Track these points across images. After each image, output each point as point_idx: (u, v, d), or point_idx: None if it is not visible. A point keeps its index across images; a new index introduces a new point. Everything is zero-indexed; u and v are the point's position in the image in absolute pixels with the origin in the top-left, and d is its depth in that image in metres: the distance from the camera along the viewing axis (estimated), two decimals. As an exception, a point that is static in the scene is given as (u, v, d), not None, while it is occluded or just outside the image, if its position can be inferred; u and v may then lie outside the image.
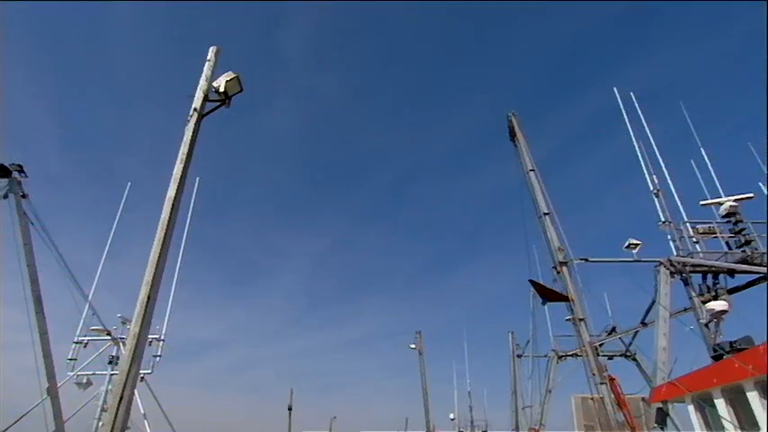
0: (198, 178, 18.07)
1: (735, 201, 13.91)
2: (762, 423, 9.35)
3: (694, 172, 15.78)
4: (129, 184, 19.30)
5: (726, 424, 10.14)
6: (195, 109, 7.87)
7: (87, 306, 15.86)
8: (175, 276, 17.13)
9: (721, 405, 10.27)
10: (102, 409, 13.57)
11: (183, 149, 7.53)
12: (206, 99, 8.05)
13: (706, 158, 15.72)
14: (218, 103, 8.14)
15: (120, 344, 14.59)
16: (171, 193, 7.26)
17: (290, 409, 36.38)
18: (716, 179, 14.83)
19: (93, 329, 15.77)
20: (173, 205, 7.12)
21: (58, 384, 14.93)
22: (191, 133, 7.66)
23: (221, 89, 8.05)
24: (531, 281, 16.60)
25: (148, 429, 14.71)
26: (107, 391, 13.85)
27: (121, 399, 6.13)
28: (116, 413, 6.07)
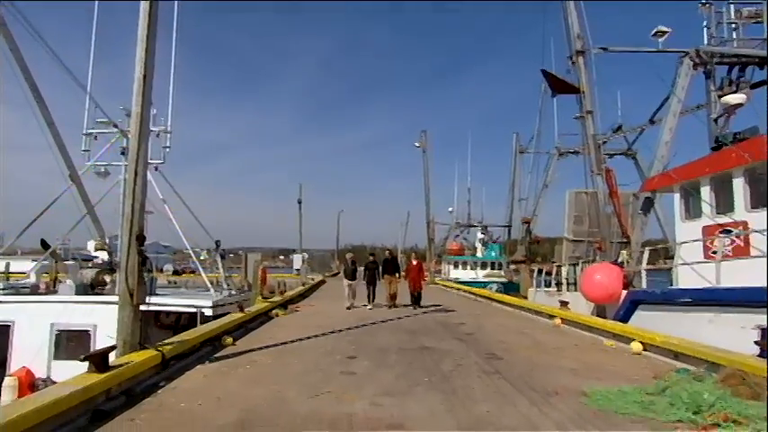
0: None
1: None
2: (738, 206, 9.95)
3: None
4: None
5: (704, 207, 10.81)
6: None
7: (88, 98, 15.62)
8: (173, 56, 16.54)
9: (706, 191, 10.79)
10: (123, 195, 14.48)
11: None
12: None
13: None
14: None
15: (127, 135, 14.79)
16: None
17: (299, 202, 39.21)
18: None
19: (99, 122, 15.87)
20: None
21: (79, 173, 15.73)
22: None
23: None
24: (543, 71, 15.77)
25: (170, 213, 15.97)
26: (124, 179, 14.55)
27: (136, 174, 6.35)
28: (134, 188, 6.35)
